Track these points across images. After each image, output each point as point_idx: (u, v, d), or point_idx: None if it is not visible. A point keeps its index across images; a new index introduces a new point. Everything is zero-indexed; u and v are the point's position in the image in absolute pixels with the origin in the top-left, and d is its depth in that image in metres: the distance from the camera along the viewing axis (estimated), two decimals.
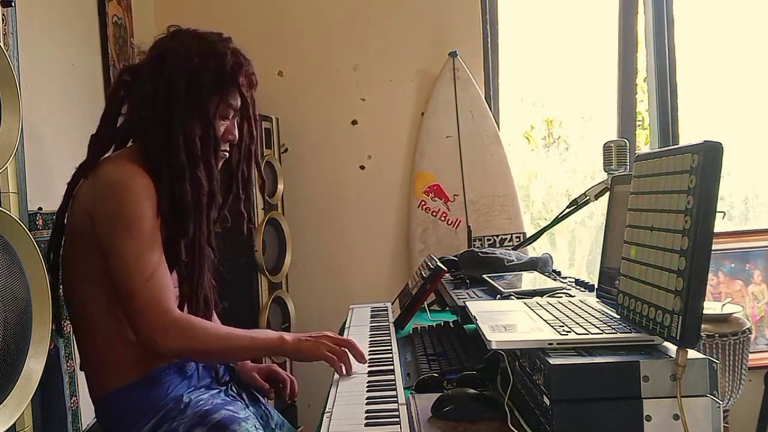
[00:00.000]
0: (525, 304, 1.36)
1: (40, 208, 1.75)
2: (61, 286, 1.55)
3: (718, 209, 0.93)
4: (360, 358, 1.50)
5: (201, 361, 1.57)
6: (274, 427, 1.70)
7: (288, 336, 1.52)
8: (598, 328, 1.09)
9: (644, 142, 3.30)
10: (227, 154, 1.59)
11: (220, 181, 1.56)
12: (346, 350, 1.50)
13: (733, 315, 2.30)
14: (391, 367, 1.47)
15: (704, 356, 0.95)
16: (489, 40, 3.11)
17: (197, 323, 1.46)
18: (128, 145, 1.59)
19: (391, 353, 1.59)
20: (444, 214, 2.99)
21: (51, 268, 1.52)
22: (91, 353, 1.52)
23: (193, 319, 1.47)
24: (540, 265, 2.04)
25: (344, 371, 1.46)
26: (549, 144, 3.60)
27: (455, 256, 2.22)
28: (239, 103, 1.56)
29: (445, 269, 1.91)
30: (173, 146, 1.47)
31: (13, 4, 1.36)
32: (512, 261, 2.05)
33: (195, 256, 1.51)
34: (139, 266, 1.40)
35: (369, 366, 1.51)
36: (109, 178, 1.45)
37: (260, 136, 2.71)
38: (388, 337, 1.76)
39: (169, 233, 1.47)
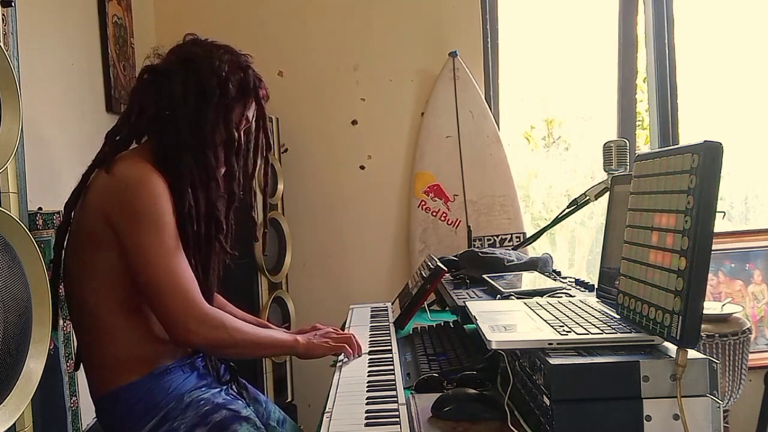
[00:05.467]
0: (525, 304, 1.36)
1: (40, 208, 1.75)
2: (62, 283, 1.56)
3: (718, 209, 0.93)
4: (358, 351, 1.62)
5: (225, 354, 1.61)
6: (275, 424, 1.71)
7: (301, 338, 1.62)
8: (598, 328, 1.09)
9: (644, 142, 3.30)
10: None
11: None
12: (351, 336, 1.63)
13: (733, 315, 2.30)
14: (391, 367, 1.47)
15: (704, 356, 0.95)
16: (489, 40, 3.11)
17: (227, 317, 1.52)
18: (138, 145, 1.60)
19: (391, 353, 1.59)
20: (444, 214, 2.99)
21: (54, 263, 1.53)
22: (93, 352, 1.53)
23: (223, 314, 1.52)
24: (540, 265, 2.04)
25: (355, 353, 1.60)
26: (549, 144, 3.60)
27: (455, 256, 2.22)
28: (253, 115, 1.63)
29: (445, 269, 1.91)
30: (199, 147, 1.52)
31: (13, 4, 1.36)
32: (512, 261, 2.05)
33: (211, 255, 1.56)
34: (167, 263, 1.43)
35: (369, 366, 1.51)
36: (128, 177, 1.46)
37: None
38: (388, 337, 1.76)
39: (185, 234, 1.49)
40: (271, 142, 1.72)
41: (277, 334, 1.66)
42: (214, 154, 1.54)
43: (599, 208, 2.94)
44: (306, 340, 1.61)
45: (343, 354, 1.59)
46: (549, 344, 1.03)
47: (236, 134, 1.58)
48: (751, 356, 2.40)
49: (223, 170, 1.57)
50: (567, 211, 2.55)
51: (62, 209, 1.58)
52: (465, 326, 1.74)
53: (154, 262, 1.43)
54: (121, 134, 1.57)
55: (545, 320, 1.18)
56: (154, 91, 1.55)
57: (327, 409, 1.25)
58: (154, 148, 1.54)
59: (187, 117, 1.52)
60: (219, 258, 1.61)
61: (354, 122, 3.11)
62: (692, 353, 0.95)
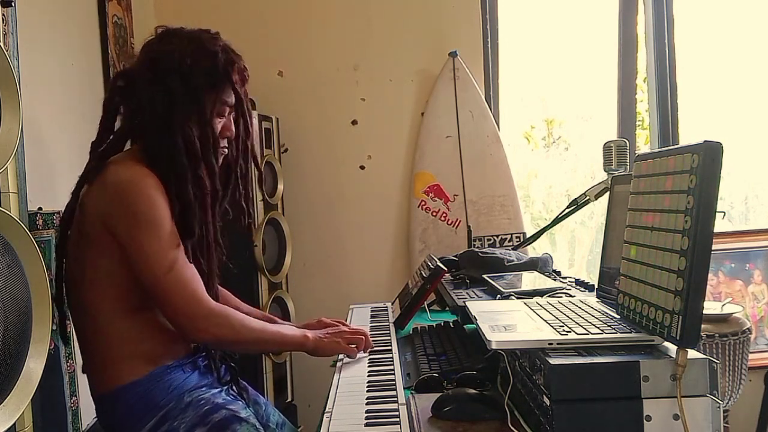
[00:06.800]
0: (525, 304, 1.36)
1: (40, 208, 1.75)
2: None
3: (718, 209, 0.93)
4: (369, 347, 1.63)
5: (233, 349, 1.62)
6: (274, 426, 1.71)
7: (310, 334, 1.61)
8: (598, 328, 1.09)
9: (644, 142, 3.30)
10: (226, 150, 1.61)
11: (220, 177, 1.58)
12: (363, 337, 1.62)
13: (733, 315, 2.30)
14: (391, 367, 1.47)
15: (704, 356, 0.95)
16: (489, 40, 3.11)
17: (233, 314, 1.51)
18: (130, 147, 1.60)
19: (391, 353, 1.59)
20: (444, 214, 2.99)
21: (56, 272, 1.54)
22: (93, 352, 1.53)
23: (229, 310, 1.52)
24: (540, 265, 2.04)
25: (363, 352, 1.61)
26: (549, 144, 3.60)
27: (455, 256, 2.22)
28: (233, 99, 1.58)
29: (445, 269, 1.91)
30: (174, 148, 1.49)
31: (13, 4, 1.36)
32: (512, 261, 2.05)
33: (204, 254, 1.54)
34: (170, 263, 1.43)
35: (369, 366, 1.51)
36: (121, 180, 1.46)
37: (260, 135, 2.71)
38: (388, 337, 1.76)
39: (179, 233, 1.49)
40: (250, 128, 1.64)
41: (286, 329, 1.65)
42: (191, 154, 1.50)
43: (599, 208, 2.94)
44: (315, 336, 1.60)
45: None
46: (549, 344, 1.03)
47: (212, 127, 1.53)
48: (751, 356, 2.40)
49: (203, 167, 1.52)
50: (567, 211, 2.55)
51: (61, 211, 1.57)
52: (465, 326, 1.74)
53: (157, 263, 1.43)
54: (104, 144, 1.56)
55: (545, 320, 1.18)
56: (125, 98, 1.55)
57: (327, 409, 1.25)
58: (143, 149, 1.53)
59: (156, 122, 1.49)
60: (215, 256, 1.59)
61: (354, 122, 3.11)
62: (692, 353, 0.95)
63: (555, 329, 1.10)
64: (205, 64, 1.51)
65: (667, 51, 3.12)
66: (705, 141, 0.93)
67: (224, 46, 1.56)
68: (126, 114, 1.56)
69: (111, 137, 1.57)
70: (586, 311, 1.24)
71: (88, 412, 1.70)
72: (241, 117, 1.61)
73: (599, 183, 2.45)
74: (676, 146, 1.10)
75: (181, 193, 1.48)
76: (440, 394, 1.26)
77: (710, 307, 2.33)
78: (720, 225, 3.07)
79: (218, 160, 1.57)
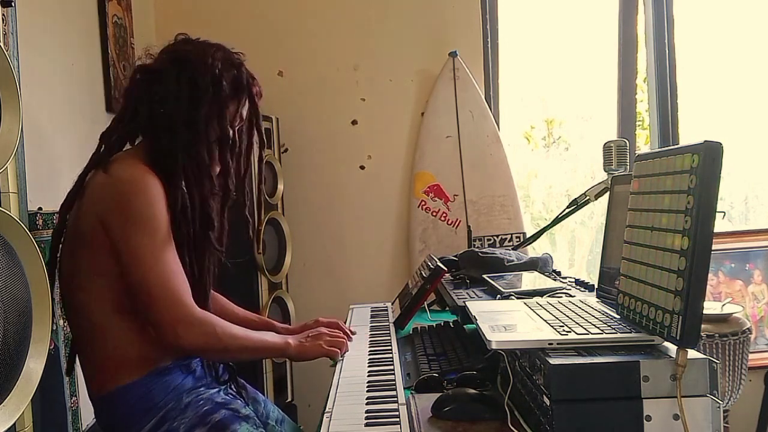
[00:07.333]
0: (525, 304, 1.36)
1: (40, 208, 1.75)
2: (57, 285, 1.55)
3: (718, 209, 0.93)
4: (348, 336, 1.70)
5: (215, 358, 1.60)
6: (274, 423, 1.71)
7: (292, 340, 1.60)
8: (598, 328, 1.09)
9: (644, 142, 3.30)
10: None
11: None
12: (344, 338, 1.65)
13: (733, 315, 2.30)
14: (391, 367, 1.47)
15: (704, 356, 0.95)
16: (489, 40, 3.11)
17: (218, 321, 1.50)
18: (134, 145, 1.60)
19: (391, 353, 1.59)
20: (444, 214, 2.99)
21: (49, 266, 1.52)
22: (91, 353, 1.52)
23: (213, 317, 1.50)
24: (540, 265, 2.04)
25: (346, 352, 1.62)
26: (549, 144, 3.60)
27: (455, 256, 2.22)
28: (247, 113, 1.61)
29: (445, 269, 1.91)
30: (193, 144, 1.51)
31: (13, 4, 1.36)
32: (512, 261, 2.05)
33: (205, 254, 1.54)
34: (158, 266, 1.42)
35: (369, 366, 1.51)
36: (121, 179, 1.46)
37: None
38: (388, 337, 1.76)
39: (180, 233, 1.49)
40: (265, 140, 1.70)
41: (269, 337, 1.63)
42: (208, 151, 1.53)
43: (599, 208, 2.94)
44: (297, 342, 1.59)
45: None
46: (549, 344, 1.03)
47: (230, 131, 1.57)
48: (751, 356, 2.40)
49: (217, 168, 1.56)
50: (567, 211, 2.55)
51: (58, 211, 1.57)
52: (465, 326, 1.74)
53: (146, 264, 1.42)
54: (116, 135, 1.56)
55: (545, 320, 1.18)
56: (147, 91, 1.55)
57: (327, 409, 1.25)
58: (148, 148, 1.53)
59: (181, 114, 1.51)
60: (213, 256, 1.59)
61: (354, 122, 3.11)
62: (692, 353, 0.94)
63: (555, 329, 1.10)
64: (233, 73, 1.56)
65: (667, 51, 3.12)
66: (705, 141, 0.93)
67: (243, 61, 1.61)
68: (141, 108, 1.55)
69: (123, 129, 1.57)
70: (586, 311, 1.24)
71: (88, 412, 1.70)
72: (256, 129, 1.65)
73: (599, 183, 2.45)
74: (676, 146, 1.10)
75: (192, 189, 1.50)
76: (440, 394, 1.26)
77: (710, 307, 2.33)
78: (720, 225, 3.08)
79: (232, 164, 1.60)
